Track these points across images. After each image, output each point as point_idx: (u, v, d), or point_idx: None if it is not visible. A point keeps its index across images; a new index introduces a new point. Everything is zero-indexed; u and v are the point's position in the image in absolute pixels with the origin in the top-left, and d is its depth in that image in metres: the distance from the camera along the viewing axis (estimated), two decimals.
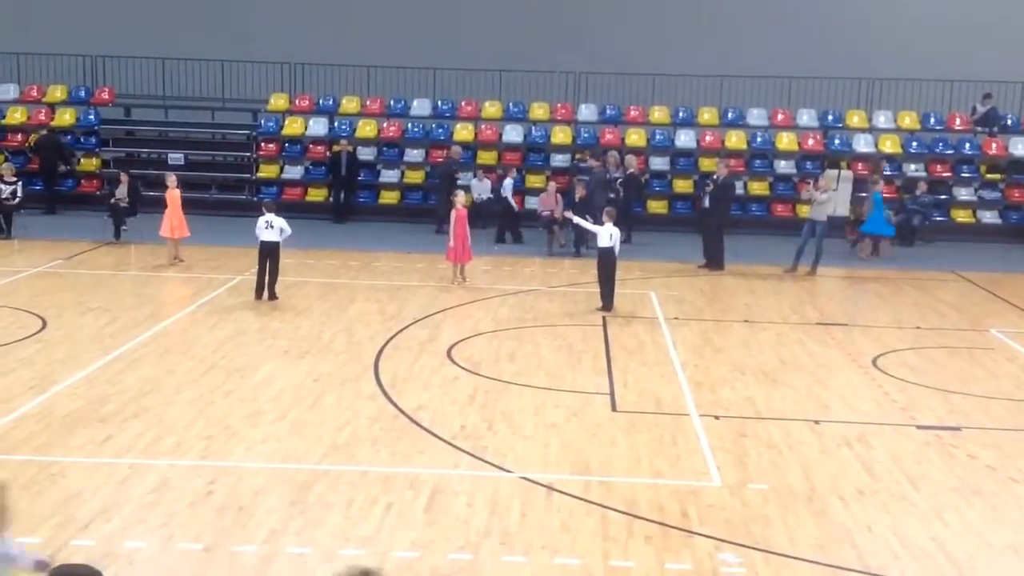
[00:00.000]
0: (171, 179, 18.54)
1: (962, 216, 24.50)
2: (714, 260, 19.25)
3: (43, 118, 25.48)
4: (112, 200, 20.60)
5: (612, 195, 21.18)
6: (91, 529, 7.83)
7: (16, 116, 25.75)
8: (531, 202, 23.19)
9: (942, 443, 10.35)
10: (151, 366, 12.04)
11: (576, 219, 17.28)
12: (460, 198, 17.54)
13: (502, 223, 22.11)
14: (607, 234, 15.42)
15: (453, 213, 17.09)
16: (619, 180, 21.81)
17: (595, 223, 16.53)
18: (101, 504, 8.25)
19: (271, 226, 15.30)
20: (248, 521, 8.06)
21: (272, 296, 15.40)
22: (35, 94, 26.05)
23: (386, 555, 7.63)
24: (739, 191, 24.49)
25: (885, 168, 24.08)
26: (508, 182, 22.69)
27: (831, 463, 9.72)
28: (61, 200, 24.24)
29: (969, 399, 11.87)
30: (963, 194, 24.78)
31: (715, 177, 19.93)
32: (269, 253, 15.36)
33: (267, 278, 15.40)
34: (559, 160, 24.87)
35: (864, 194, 22.48)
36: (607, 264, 15.51)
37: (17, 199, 20.56)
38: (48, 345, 12.78)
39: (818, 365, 13.13)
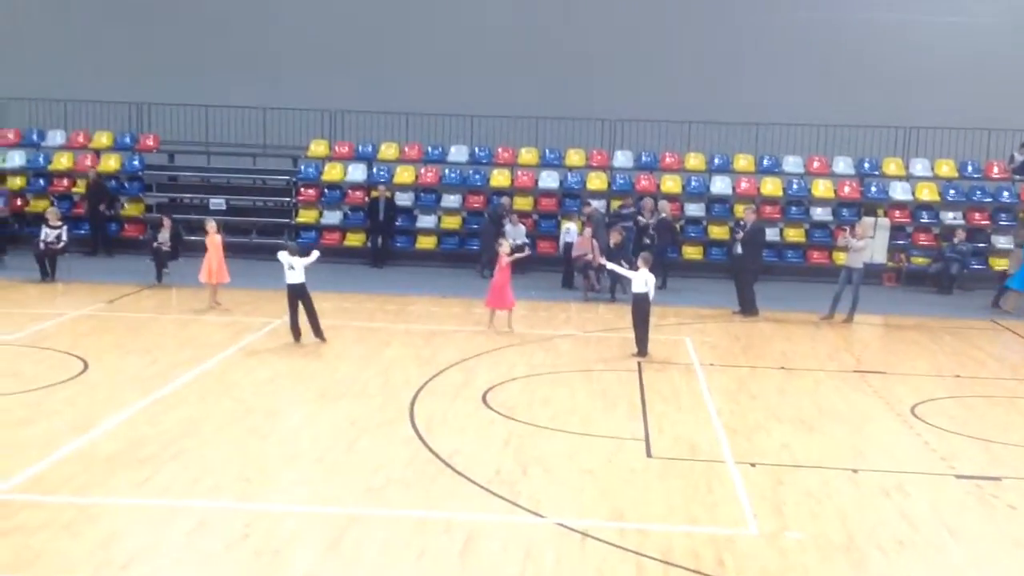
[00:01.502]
0: (211, 225, 18.59)
1: (1000, 264, 24.26)
2: (747, 306, 19.19)
3: (89, 164, 26.03)
4: (155, 244, 20.94)
5: (647, 240, 21.26)
6: (129, 571, 7.90)
7: (62, 162, 26.33)
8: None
9: (982, 493, 10.21)
10: (190, 408, 12.17)
11: (611, 265, 17.34)
12: (505, 247, 17.55)
13: (567, 268, 22.24)
14: (642, 280, 15.45)
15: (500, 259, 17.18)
16: (652, 225, 21.90)
17: (612, 260, 16.68)
18: (139, 545, 8.33)
19: (292, 268, 15.50)
20: (283, 565, 8.10)
21: (319, 336, 15.54)
22: (81, 140, 26.65)
23: None
24: (775, 238, 24.51)
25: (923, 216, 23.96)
26: (570, 227, 22.69)
27: (869, 512, 9.62)
28: (105, 244, 24.68)
29: (1009, 449, 11.71)
30: (1001, 242, 24.59)
31: (742, 223, 19.91)
32: (297, 295, 15.54)
33: (302, 319, 15.55)
34: (594, 204, 24.95)
35: (1013, 247, 21.83)
36: (641, 309, 15.52)
37: (62, 243, 20.93)
38: (89, 387, 12.96)
39: (856, 413, 13.02)
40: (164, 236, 20.80)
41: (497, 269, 17.14)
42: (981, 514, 9.69)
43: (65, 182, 26.06)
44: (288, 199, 25.80)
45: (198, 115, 25.83)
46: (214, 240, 18.25)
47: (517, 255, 17.87)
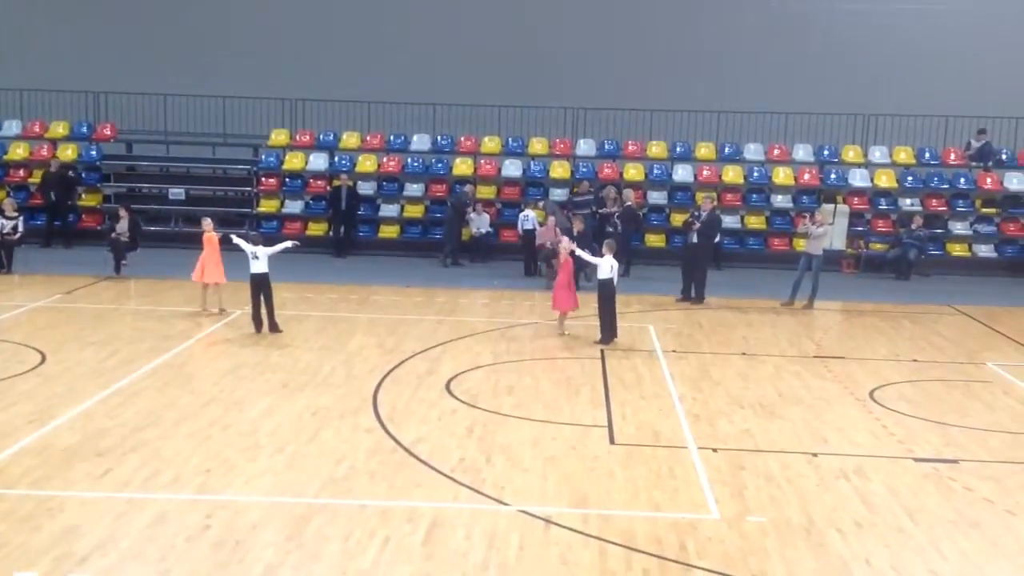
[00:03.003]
0: (206, 222, 17.27)
1: (958, 250, 24.62)
2: (698, 292, 19.21)
3: (45, 153, 25.67)
4: (113, 235, 20.70)
5: (610, 229, 21.30)
6: (89, 563, 7.83)
7: (18, 152, 25.94)
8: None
9: (939, 476, 10.36)
10: (150, 400, 12.06)
11: (578, 251, 17.30)
12: (565, 243, 16.86)
13: (527, 255, 22.22)
14: (607, 266, 15.49)
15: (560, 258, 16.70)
16: (616, 214, 21.95)
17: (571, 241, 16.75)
18: (99, 538, 8.25)
19: (256, 257, 15.37)
20: (245, 555, 8.05)
21: (274, 328, 15.44)
22: (37, 130, 26.27)
23: None
24: (736, 225, 24.68)
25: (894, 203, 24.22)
26: (528, 214, 22.65)
27: (829, 496, 9.73)
28: (62, 234, 24.31)
29: (966, 432, 11.89)
30: (958, 228, 24.93)
31: (698, 213, 19.91)
32: (260, 285, 15.41)
33: (263, 310, 15.45)
34: (558, 194, 25.00)
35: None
36: (606, 296, 15.57)
37: (18, 234, 20.62)
38: (47, 379, 12.80)
39: (816, 398, 13.16)
40: (122, 227, 20.56)
41: (560, 270, 16.61)
42: (939, 496, 9.83)
43: (21, 172, 25.69)
44: (249, 189, 25.58)
45: (157, 104, 25.54)
46: (210, 238, 17.04)
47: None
